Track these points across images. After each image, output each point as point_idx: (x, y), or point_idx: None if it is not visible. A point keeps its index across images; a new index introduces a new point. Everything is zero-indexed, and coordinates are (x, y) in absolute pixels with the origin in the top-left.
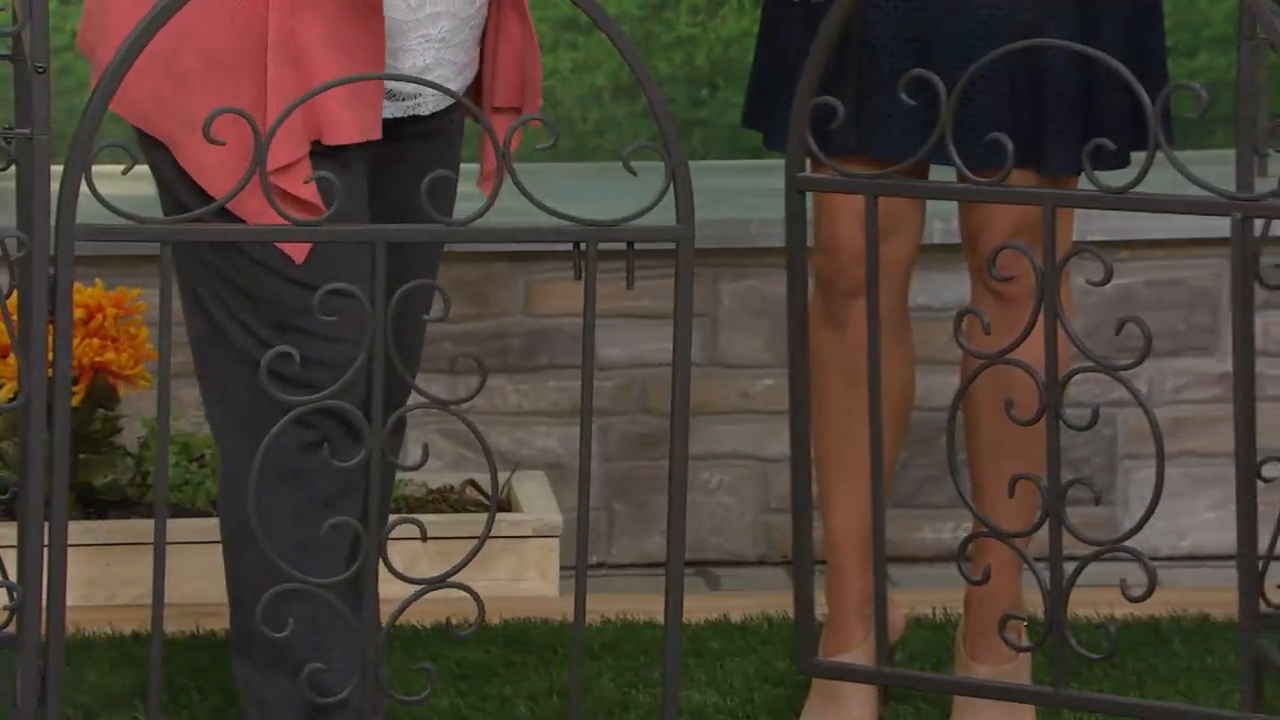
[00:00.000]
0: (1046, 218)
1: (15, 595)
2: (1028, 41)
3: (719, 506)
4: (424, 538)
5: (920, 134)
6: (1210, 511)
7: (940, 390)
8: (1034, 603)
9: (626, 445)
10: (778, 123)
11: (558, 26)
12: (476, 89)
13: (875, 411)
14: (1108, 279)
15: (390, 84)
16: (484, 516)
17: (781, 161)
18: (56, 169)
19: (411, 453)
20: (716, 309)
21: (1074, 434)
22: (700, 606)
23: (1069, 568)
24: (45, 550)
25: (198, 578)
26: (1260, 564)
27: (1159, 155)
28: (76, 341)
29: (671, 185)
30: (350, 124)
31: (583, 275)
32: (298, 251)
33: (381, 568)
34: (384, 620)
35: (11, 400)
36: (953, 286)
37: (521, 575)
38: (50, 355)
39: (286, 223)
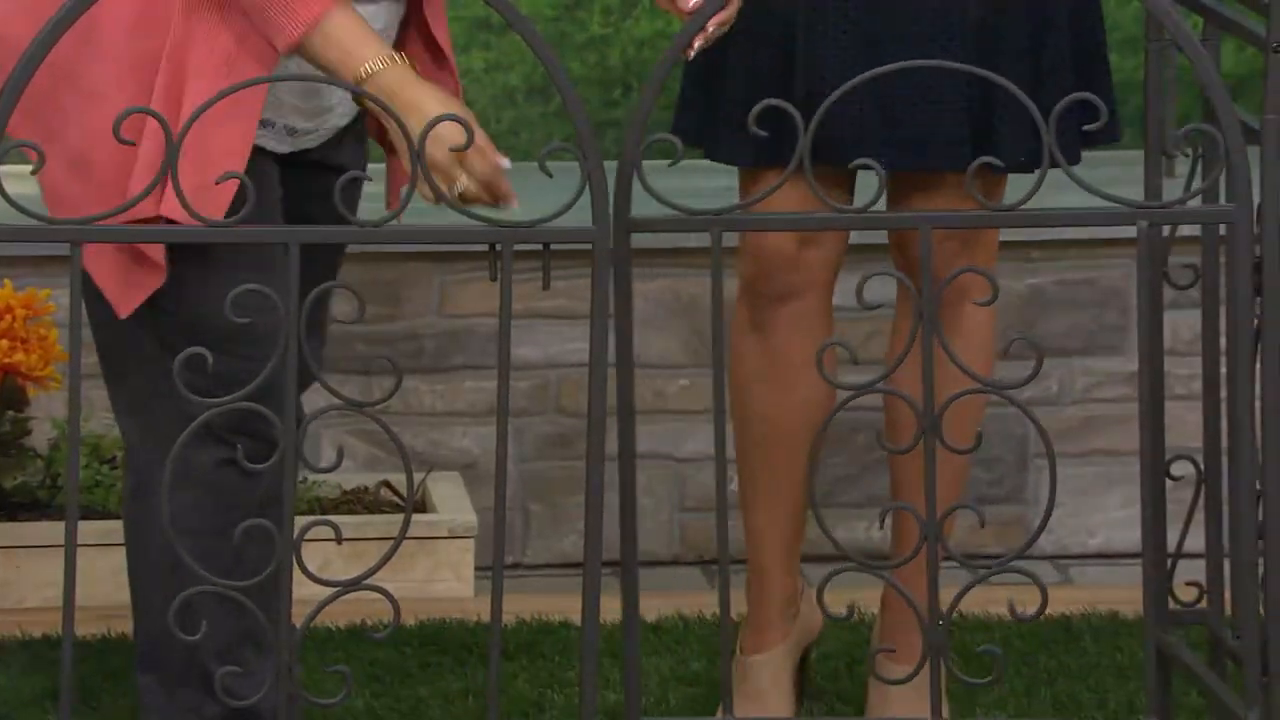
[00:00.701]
0: (924, 240)
1: None
2: (923, 61)
3: None
4: (339, 540)
5: (874, 138)
6: (1120, 509)
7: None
8: (950, 599)
9: (541, 445)
10: (719, 134)
11: (471, 27)
12: None
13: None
14: (994, 298)
15: (289, 121)
16: (398, 517)
17: (700, 161)
18: None
19: (325, 454)
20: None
21: (984, 432)
22: (615, 607)
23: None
24: None
25: (109, 580)
26: (1168, 562)
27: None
28: None
29: (587, 187)
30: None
31: (498, 276)
32: (123, 305)
33: (295, 570)
34: (298, 622)
35: None
36: (873, 285)
37: (436, 576)
38: None
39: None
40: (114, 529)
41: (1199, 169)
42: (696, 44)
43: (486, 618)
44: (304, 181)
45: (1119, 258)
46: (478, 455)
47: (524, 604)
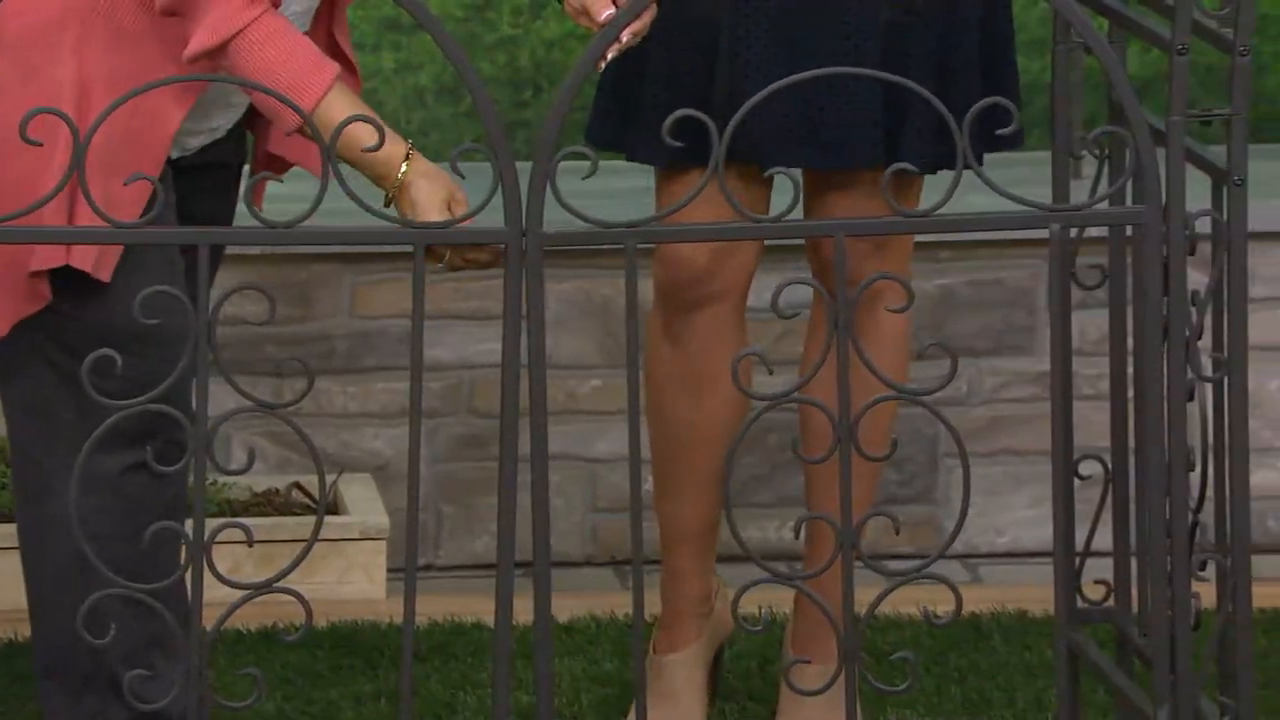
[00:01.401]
0: (839, 248)
1: None
2: (832, 70)
3: None
4: (250, 542)
5: (793, 139)
6: (1028, 509)
7: (767, 387)
8: (863, 601)
9: (454, 446)
10: (639, 136)
11: (380, 27)
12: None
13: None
14: (909, 305)
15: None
16: (310, 519)
17: (616, 162)
18: None
19: (236, 456)
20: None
21: (895, 432)
22: (528, 608)
23: (883, 581)
24: None
25: (14, 585)
26: (1076, 560)
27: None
28: None
29: (500, 187)
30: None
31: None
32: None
33: (206, 572)
34: (209, 625)
35: None
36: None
37: (348, 578)
38: None
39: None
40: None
41: (1106, 170)
42: (610, 54)
43: (398, 619)
44: (187, 178)
45: (1027, 258)
46: (390, 456)
47: (436, 605)
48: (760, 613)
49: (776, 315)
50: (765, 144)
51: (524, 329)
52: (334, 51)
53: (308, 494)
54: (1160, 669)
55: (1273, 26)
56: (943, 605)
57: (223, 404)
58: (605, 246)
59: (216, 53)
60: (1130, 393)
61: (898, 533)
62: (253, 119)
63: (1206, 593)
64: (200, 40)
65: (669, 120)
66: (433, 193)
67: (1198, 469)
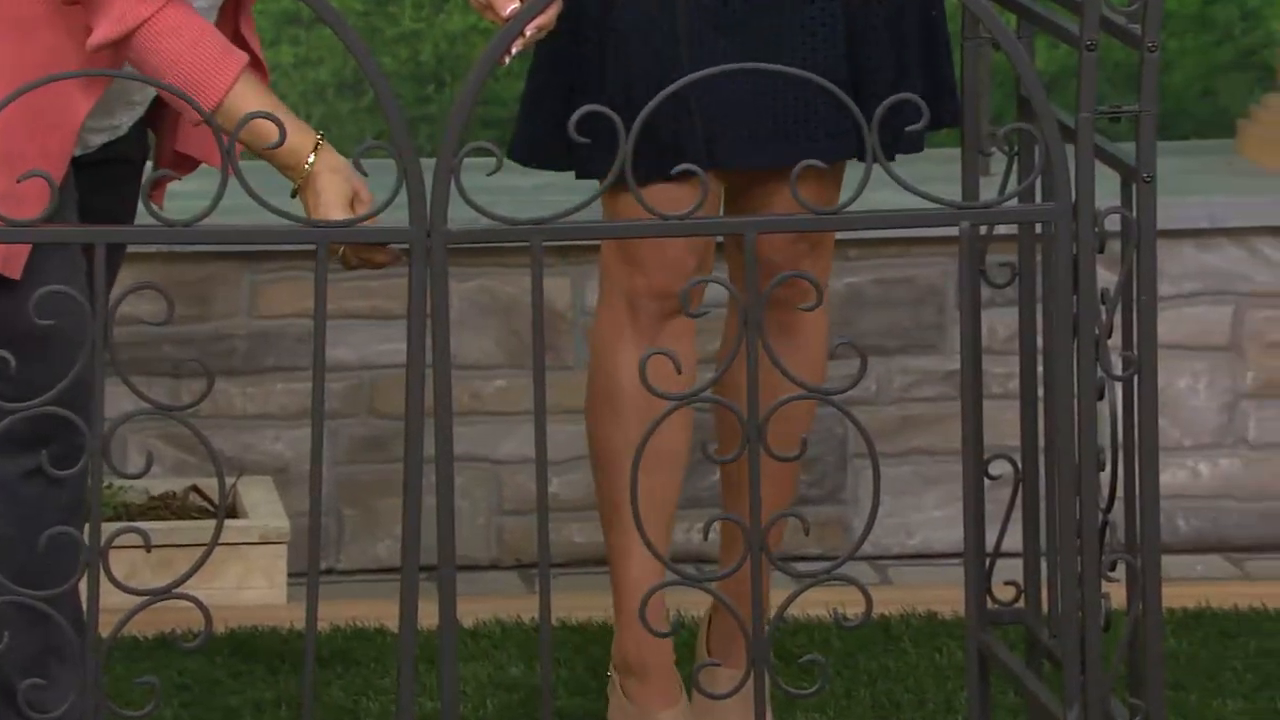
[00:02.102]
0: (749, 244)
1: None
2: (755, 64)
3: None
4: (148, 547)
5: (766, 140)
6: (938, 509)
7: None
8: (772, 603)
9: (355, 448)
10: (590, 150)
11: (279, 21)
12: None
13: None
14: (818, 303)
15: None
16: (208, 523)
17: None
18: None
19: (133, 459)
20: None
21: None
22: (432, 612)
23: (792, 585)
24: None
25: None
26: (986, 561)
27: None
28: None
29: (404, 185)
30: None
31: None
32: None
33: (103, 578)
34: (105, 632)
35: None
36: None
37: (248, 582)
38: None
39: None
40: None
41: (1016, 167)
42: (514, 49)
43: (299, 625)
44: (88, 174)
45: (935, 256)
46: (290, 459)
47: (338, 610)
48: (669, 616)
49: (688, 314)
50: (725, 146)
51: (428, 328)
52: (241, 46)
53: (206, 497)
54: (1070, 670)
55: (1178, 23)
56: (852, 607)
57: (120, 406)
58: (508, 245)
59: (121, 44)
60: (1040, 392)
61: (807, 533)
62: (155, 117)
63: (1117, 593)
64: (104, 31)
65: (574, 117)
66: (337, 188)
67: (1108, 469)
